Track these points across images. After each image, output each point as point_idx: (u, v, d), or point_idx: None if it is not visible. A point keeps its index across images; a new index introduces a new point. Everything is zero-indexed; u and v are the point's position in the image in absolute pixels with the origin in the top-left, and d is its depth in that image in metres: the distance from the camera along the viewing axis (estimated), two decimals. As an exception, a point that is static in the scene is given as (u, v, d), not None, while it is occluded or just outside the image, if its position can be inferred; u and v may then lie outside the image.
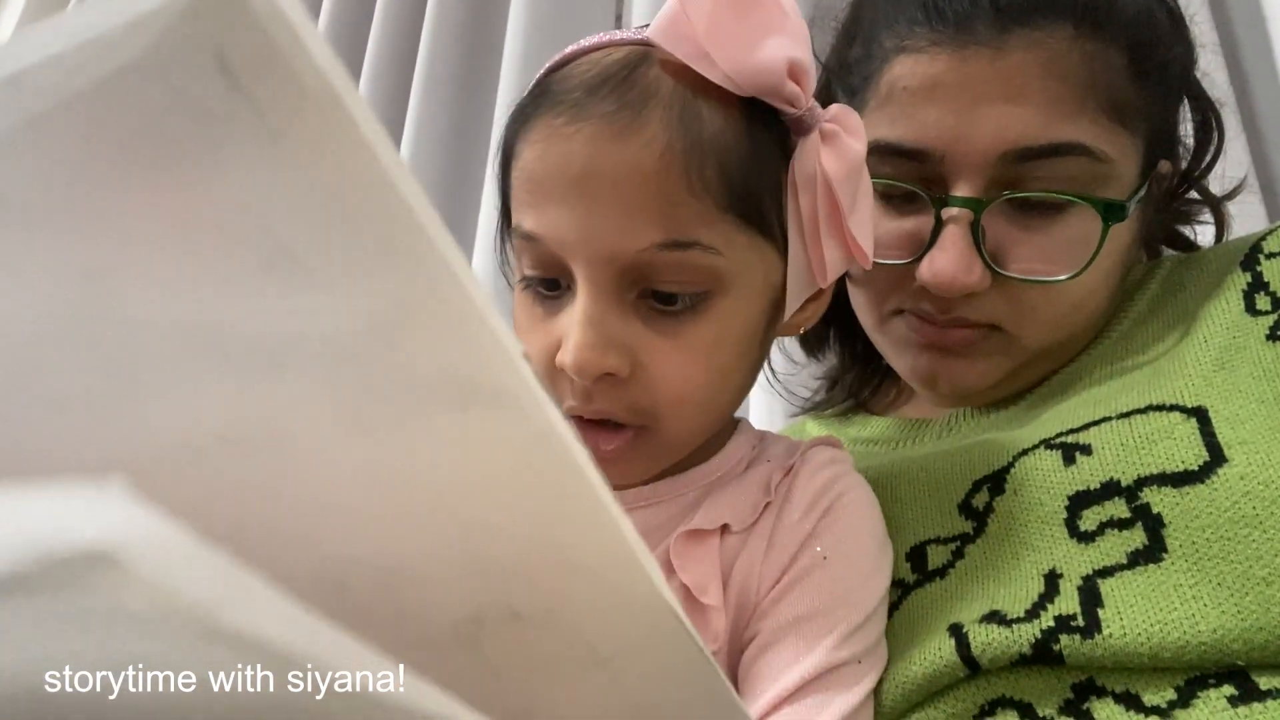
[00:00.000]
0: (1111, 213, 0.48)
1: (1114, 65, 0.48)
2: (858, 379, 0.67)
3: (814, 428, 0.66)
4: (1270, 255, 0.50)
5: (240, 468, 0.17)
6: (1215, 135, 0.58)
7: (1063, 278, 0.49)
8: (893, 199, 0.53)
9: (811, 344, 0.70)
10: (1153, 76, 0.50)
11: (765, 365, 0.58)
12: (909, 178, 0.51)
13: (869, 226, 0.45)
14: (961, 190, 0.49)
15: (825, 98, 0.52)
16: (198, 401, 0.17)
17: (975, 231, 0.48)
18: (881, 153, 0.51)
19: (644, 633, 0.21)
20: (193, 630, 0.11)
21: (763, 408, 0.99)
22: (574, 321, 0.40)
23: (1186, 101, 0.57)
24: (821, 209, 0.43)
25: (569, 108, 0.41)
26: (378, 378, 0.16)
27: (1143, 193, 0.51)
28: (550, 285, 0.43)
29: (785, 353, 0.70)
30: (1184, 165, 0.58)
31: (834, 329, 0.69)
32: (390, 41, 1.72)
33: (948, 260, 0.49)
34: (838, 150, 0.43)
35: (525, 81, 1.62)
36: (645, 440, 0.43)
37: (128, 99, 0.13)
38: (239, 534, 0.18)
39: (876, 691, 0.42)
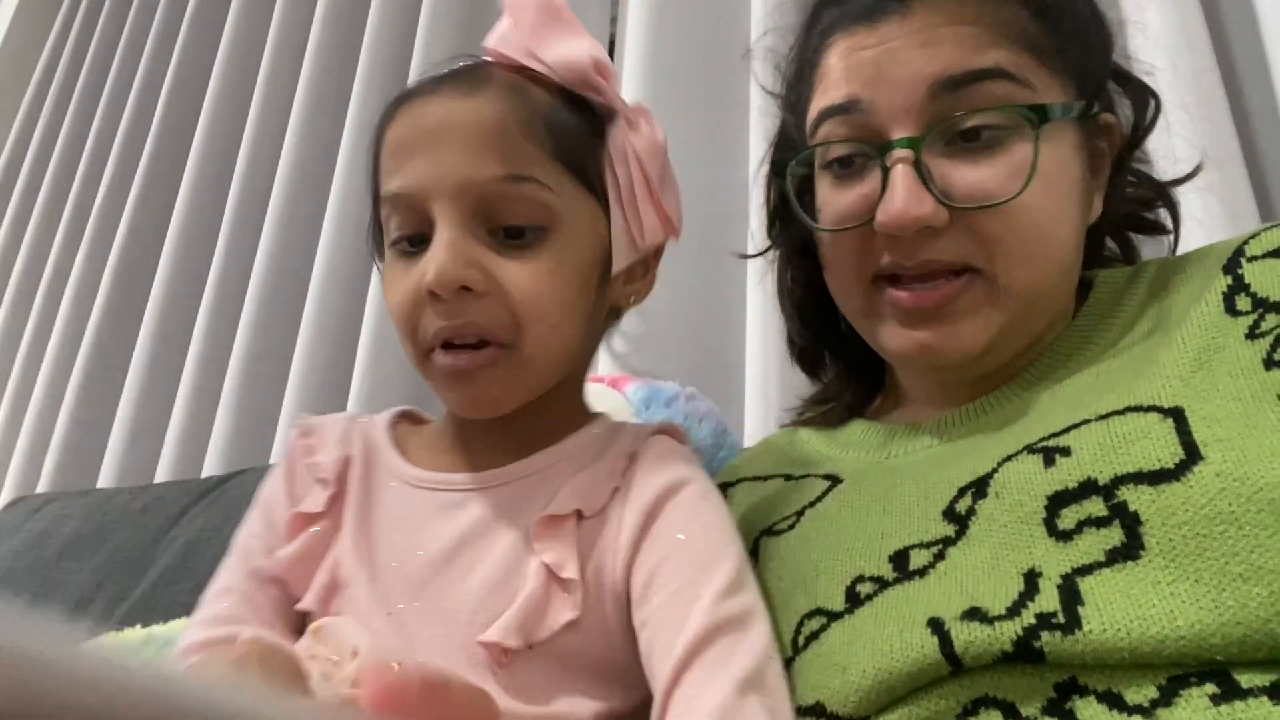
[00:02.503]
0: (1037, 113, 0.50)
1: (1019, 14, 0.52)
2: (855, 394, 0.67)
3: (807, 434, 0.66)
4: (1252, 258, 0.50)
5: None
6: (1152, 104, 0.60)
7: (1012, 194, 0.50)
8: (842, 173, 0.55)
9: (810, 364, 0.71)
10: (1064, 22, 0.53)
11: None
12: (851, 137, 0.54)
13: (677, 204, 0.55)
14: (898, 134, 0.51)
15: (792, 105, 0.61)
16: None
17: (919, 168, 0.51)
18: (823, 119, 0.55)
19: None
20: None
21: (758, 413, 1.00)
22: (435, 248, 0.47)
23: (1125, 90, 0.59)
24: (635, 179, 0.52)
25: (422, 93, 0.52)
26: None
27: (1075, 112, 0.53)
28: (415, 241, 0.50)
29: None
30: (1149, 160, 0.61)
31: (826, 349, 0.69)
32: (384, 46, 1.72)
33: (897, 196, 0.50)
34: (641, 133, 0.53)
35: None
36: (505, 359, 0.49)
37: None
38: None
39: (854, 684, 0.43)
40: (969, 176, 0.51)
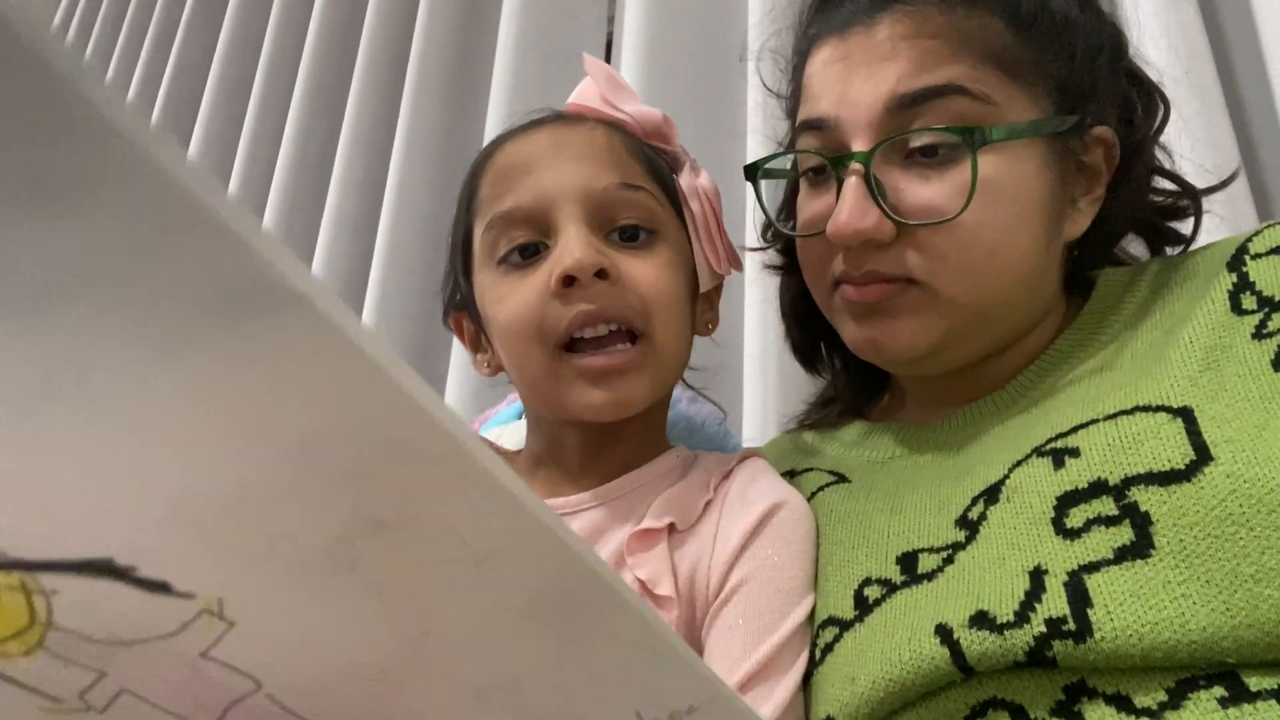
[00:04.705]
0: (972, 136, 0.50)
1: (989, 25, 0.52)
2: (855, 394, 0.67)
3: (810, 436, 0.67)
4: (1256, 256, 0.50)
5: (60, 415, 0.18)
6: (1160, 107, 0.59)
7: (955, 213, 0.50)
8: (814, 181, 0.58)
9: (806, 359, 0.72)
10: (1040, 29, 0.53)
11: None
12: (818, 150, 0.56)
13: (732, 245, 0.60)
14: (856, 147, 0.53)
15: (790, 109, 0.64)
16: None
17: (869, 182, 0.51)
18: (800, 132, 0.57)
19: (508, 524, 0.21)
20: None
21: (756, 417, 1.00)
22: (568, 242, 0.50)
23: (1133, 86, 0.58)
24: (707, 212, 0.57)
25: (522, 130, 0.56)
26: (150, 297, 0.16)
27: (1042, 129, 0.52)
28: (527, 253, 0.52)
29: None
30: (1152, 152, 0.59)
31: (823, 344, 0.70)
32: (382, 43, 1.71)
33: (844, 209, 0.52)
34: (703, 179, 0.59)
35: (516, 81, 1.60)
36: (646, 354, 0.52)
37: None
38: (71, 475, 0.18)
39: (864, 695, 0.43)
40: (918, 193, 0.51)
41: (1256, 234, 0.51)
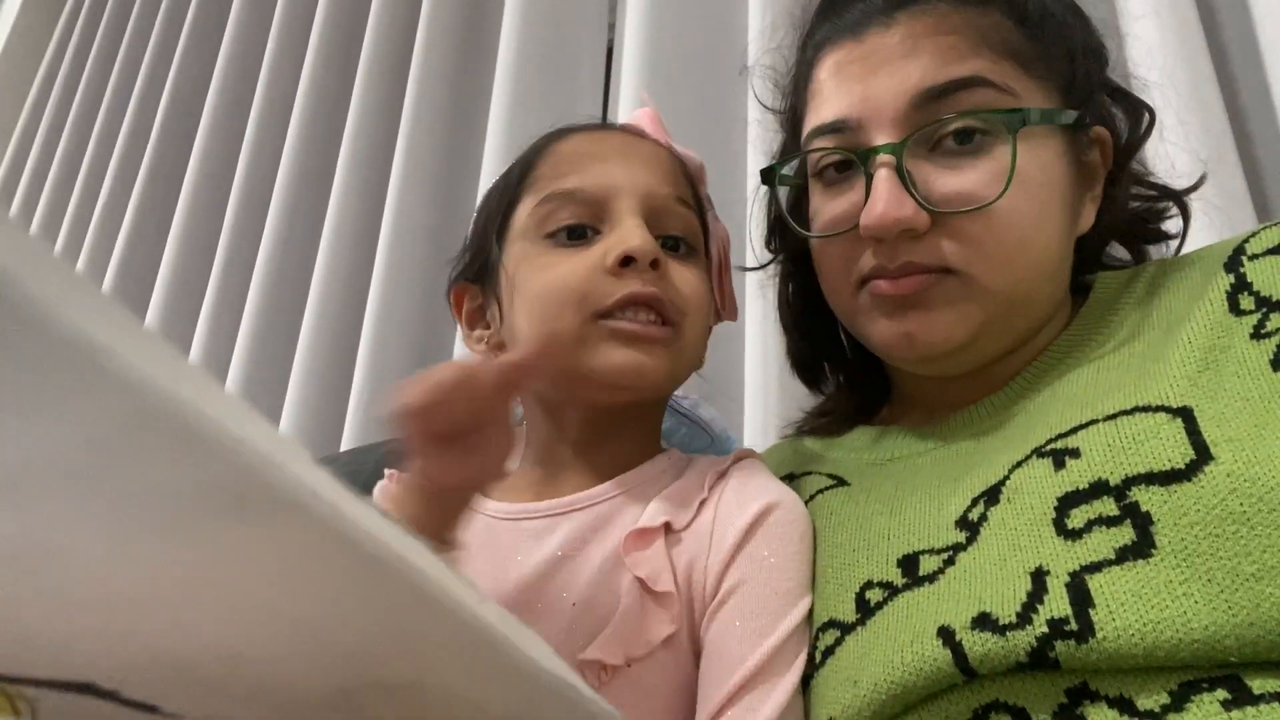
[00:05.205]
0: (1011, 120, 0.51)
1: (1000, 23, 0.54)
2: (857, 405, 0.67)
3: (810, 442, 0.67)
4: (1253, 257, 0.50)
5: (24, 580, 0.18)
6: (1145, 113, 0.60)
7: (991, 198, 0.51)
8: (832, 181, 0.57)
9: (810, 376, 0.71)
10: (1046, 29, 0.54)
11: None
12: (845, 148, 0.55)
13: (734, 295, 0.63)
14: (882, 142, 0.53)
15: (790, 120, 0.64)
16: None
17: (901, 173, 0.52)
18: (815, 136, 0.57)
19: (528, 693, 0.22)
20: None
21: (757, 425, 0.99)
22: (629, 229, 0.53)
23: (1119, 104, 0.60)
24: (722, 259, 0.61)
25: (590, 128, 0.60)
26: (120, 492, 0.16)
27: (1058, 119, 0.53)
28: (576, 235, 0.54)
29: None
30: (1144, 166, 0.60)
31: (826, 360, 0.70)
32: (383, 52, 1.72)
33: (879, 200, 0.52)
34: (720, 227, 0.62)
35: (517, 89, 1.60)
36: (674, 339, 0.54)
37: None
38: (52, 635, 0.19)
39: (866, 698, 0.43)
40: (950, 181, 0.52)
41: (1253, 235, 0.52)
